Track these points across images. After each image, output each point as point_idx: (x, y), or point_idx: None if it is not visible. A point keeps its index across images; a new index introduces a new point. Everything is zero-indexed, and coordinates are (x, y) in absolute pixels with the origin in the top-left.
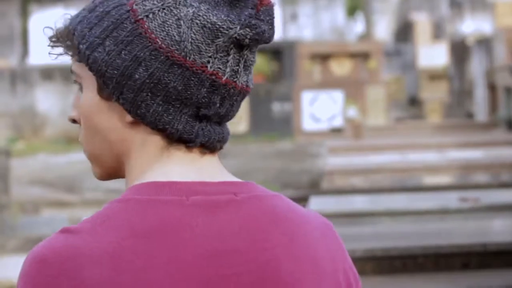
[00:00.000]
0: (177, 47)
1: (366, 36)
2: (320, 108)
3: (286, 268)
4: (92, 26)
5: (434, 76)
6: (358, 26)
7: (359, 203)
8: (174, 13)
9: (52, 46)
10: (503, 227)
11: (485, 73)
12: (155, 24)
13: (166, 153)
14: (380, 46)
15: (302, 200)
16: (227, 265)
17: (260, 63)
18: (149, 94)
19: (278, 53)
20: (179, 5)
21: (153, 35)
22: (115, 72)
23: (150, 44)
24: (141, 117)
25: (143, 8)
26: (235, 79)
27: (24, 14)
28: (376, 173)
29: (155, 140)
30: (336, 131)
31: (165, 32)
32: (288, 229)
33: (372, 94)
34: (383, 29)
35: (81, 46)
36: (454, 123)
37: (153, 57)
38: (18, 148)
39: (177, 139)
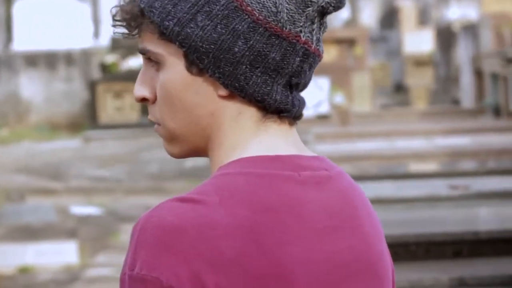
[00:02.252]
0: (274, 18)
1: (352, 22)
2: (305, 95)
3: (375, 246)
4: (176, 2)
5: (420, 62)
6: (344, 12)
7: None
8: None
9: (116, 26)
10: (494, 215)
11: (472, 60)
12: None
13: (263, 126)
14: (366, 32)
15: None
16: (340, 241)
17: None
18: (248, 66)
19: None
20: None
21: (249, 8)
22: (212, 46)
23: (247, 17)
24: (239, 89)
25: None
26: (318, 47)
27: (8, 1)
28: (363, 160)
29: (251, 113)
30: (322, 118)
31: (261, 4)
32: (367, 207)
33: (357, 81)
34: (369, 15)
35: (166, 23)
36: (441, 109)
37: (251, 30)
38: (2, 135)
39: (273, 110)
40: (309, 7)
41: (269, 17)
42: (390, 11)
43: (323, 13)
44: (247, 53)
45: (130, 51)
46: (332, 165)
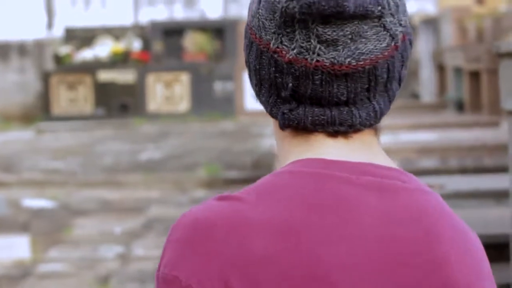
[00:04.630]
0: (253, 23)
1: None
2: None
3: (459, 268)
4: None
5: None
6: None
7: None
8: None
9: None
10: (476, 217)
11: (433, 54)
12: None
13: (301, 135)
14: None
15: (247, 181)
16: (402, 253)
17: (202, 41)
18: (249, 73)
19: (220, 32)
20: None
21: (249, 11)
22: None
23: (247, 20)
24: (256, 97)
25: None
26: (306, 56)
27: None
28: None
29: (287, 130)
30: None
31: (250, 8)
32: (459, 231)
33: None
34: None
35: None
36: (401, 104)
37: (246, 34)
38: None
39: (281, 125)
40: (276, 12)
41: (250, 22)
42: None
43: (300, 20)
44: (250, 65)
45: (84, 42)
46: (413, 180)
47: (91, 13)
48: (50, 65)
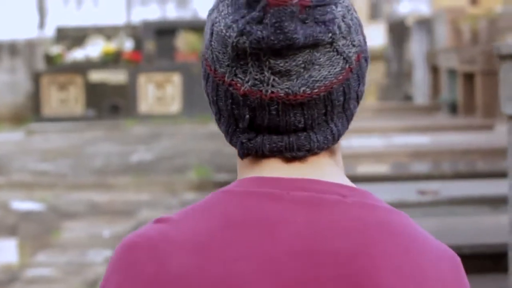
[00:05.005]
0: (207, 55)
1: None
2: None
3: (388, 281)
4: None
5: (371, 57)
6: None
7: None
8: (210, 17)
9: None
10: (472, 225)
11: (427, 55)
12: (205, 29)
13: (256, 165)
14: None
15: None
16: (321, 267)
17: (195, 41)
18: (209, 103)
19: None
20: (215, 8)
21: (204, 43)
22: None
23: (203, 52)
24: (217, 126)
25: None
26: (260, 88)
27: None
28: None
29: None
30: None
31: (205, 39)
32: (399, 245)
33: None
34: None
35: None
36: (395, 106)
37: (203, 64)
38: None
39: (240, 153)
40: (227, 46)
41: (205, 54)
42: None
43: (251, 53)
44: (208, 95)
45: (75, 42)
46: (363, 195)
47: (83, 12)
48: (41, 65)
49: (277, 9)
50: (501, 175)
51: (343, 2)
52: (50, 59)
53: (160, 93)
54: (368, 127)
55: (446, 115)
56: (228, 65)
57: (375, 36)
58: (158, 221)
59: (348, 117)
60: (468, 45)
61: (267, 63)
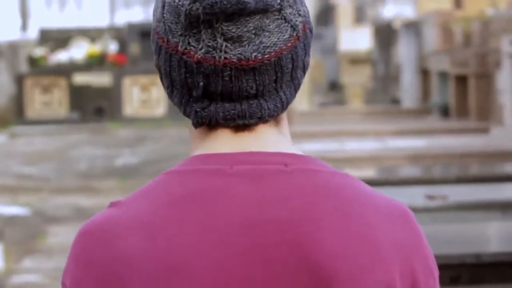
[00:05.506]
0: (159, 28)
1: None
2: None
3: (329, 242)
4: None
5: (356, 60)
6: None
7: None
8: None
9: None
10: (482, 232)
11: (416, 58)
12: (155, 5)
13: (206, 136)
14: None
15: None
16: (265, 235)
17: None
18: (161, 77)
19: None
20: None
21: (154, 16)
22: (155, 65)
23: (152, 25)
24: (169, 99)
25: None
26: (214, 55)
27: None
28: None
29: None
30: None
31: (155, 13)
32: (340, 205)
33: None
34: None
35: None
36: (383, 109)
37: (153, 38)
38: None
39: (194, 122)
40: (180, 15)
41: (157, 27)
42: (325, 8)
43: (204, 20)
44: (155, 63)
45: (59, 44)
46: (305, 161)
47: (67, 14)
48: (24, 67)
49: None
50: (507, 179)
51: None
52: (33, 61)
53: (145, 96)
54: (361, 130)
55: (438, 118)
56: (181, 35)
57: (361, 39)
58: (111, 205)
59: (296, 86)
60: (460, 48)
61: (220, 29)
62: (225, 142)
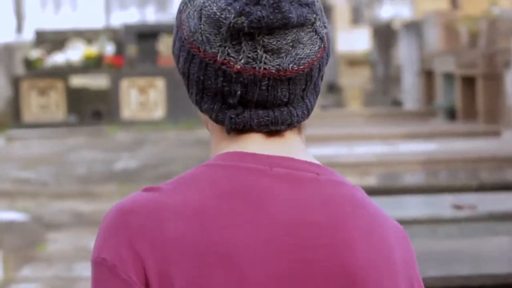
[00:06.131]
0: (193, 38)
1: None
2: None
3: (361, 252)
4: (175, 40)
5: (354, 62)
6: None
7: None
8: (193, 3)
9: None
10: None
11: (417, 59)
12: (184, 15)
13: (235, 139)
14: None
15: None
16: (306, 236)
17: None
18: (188, 84)
19: None
20: None
21: (184, 26)
22: (182, 75)
23: (181, 34)
24: (194, 104)
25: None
26: (254, 65)
27: None
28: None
29: (221, 128)
30: None
31: (187, 23)
32: (366, 219)
33: None
34: None
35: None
36: (386, 111)
37: (183, 48)
38: None
39: (228, 128)
40: (221, 27)
41: (190, 37)
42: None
43: (250, 32)
44: (183, 71)
45: (55, 46)
46: (330, 172)
47: (62, 16)
48: (20, 69)
49: None
50: None
51: None
52: (29, 64)
53: (143, 98)
54: (368, 133)
55: (443, 120)
56: (220, 45)
57: (359, 41)
58: (148, 189)
59: (317, 93)
60: (466, 48)
61: (261, 41)
62: (258, 145)
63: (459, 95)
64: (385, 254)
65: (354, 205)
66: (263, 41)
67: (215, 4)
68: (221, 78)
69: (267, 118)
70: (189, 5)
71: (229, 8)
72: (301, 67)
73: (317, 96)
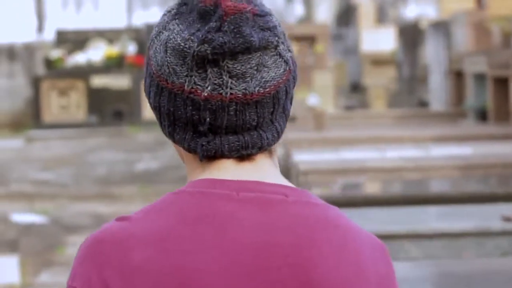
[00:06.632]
0: (161, 71)
1: (306, 19)
2: None
3: (330, 269)
4: (145, 77)
5: (379, 61)
6: (298, 9)
7: (365, 221)
8: (159, 38)
9: None
10: None
11: (445, 59)
12: (152, 51)
13: (207, 166)
14: (327, 29)
15: None
16: (270, 258)
17: None
18: (160, 117)
19: None
20: (163, 30)
21: (151, 62)
22: (151, 107)
23: (150, 70)
24: (167, 136)
25: (151, 35)
26: (220, 91)
27: None
28: (358, 174)
29: (193, 157)
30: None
31: (155, 58)
32: (337, 237)
33: (319, 80)
34: (324, 13)
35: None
36: (414, 112)
37: (152, 82)
38: None
39: (200, 155)
40: (186, 57)
41: (159, 71)
42: (346, 8)
43: (214, 59)
44: (153, 105)
45: (76, 45)
46: (302, 194)
47: (83, 16)
48: (40, 69)
49: (234, 17)
50: None
51: (274, 14)
52: (50, 64)
53: None
54: (398, 135)
55: (474, 122)
56: (186, 75)
57: (384, 40)
58: (120, 219)
59: (287, 117)
60: (498, 48)
61: (225, 67)
62: (228, 171)
63: (490, 96)
64: (357, 271)
65: (324, 224)
66: (228, 66)
67: (179, 36)
68: (190, 107)
69: (237, 143)
70: (155, 40)
71: (192, 37)
72: (267, 89)
73: (286, 119)
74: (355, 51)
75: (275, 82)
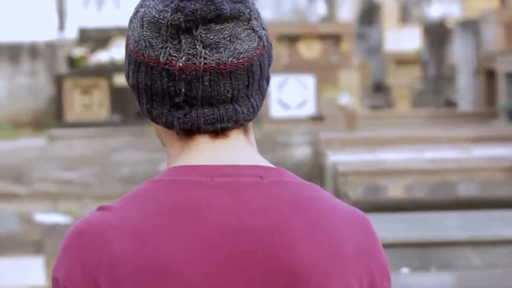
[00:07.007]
0: (138, 47)
1: (329, 18)
2: (289, 94)
3: (302, 251)
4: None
5: (403, 61)
6: (320, 8)
7: (420, 227)
8: (136, 16)
9: None
10: None
11: (475, 58)
12: (130, 31)
13: (185, 143)
14: (351, 27)
15: None
16: (244, 243)
17: None
18: (138, 95)
19: None
20: (140, 8)
21: (130, 40)
22: (130, 85)
23: (129, 49)
24: (146, 115)
25: (130, 16)
26: (194, 61)
27: None
28: (399, 176)
29: (172, 133)
30: (316, 119)
31: (133, 36)
32: (310, 216)
33: (344, 79)
34: (347, 12)
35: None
36: (444, 112)
37: (131, 61)
38: None
39: (177, 129)
40: (161, 29)
41: (136, 47)
42: (369, 7)
43: (187, 28)
44: (132, 83)
45: (99, 44)
46: (277, 173)
47: (104, 14)
48: (63, 68)
49: None
50: None
51: None
52: (72, 62)
53: None
54: (434, 136)
55: (506, 122)
56: (161, 47)
57: (408, 40)
58: (101, 209)
59: (263, 95)
60: None
61: (199, 37)
62: (204, 152)
63: None
64: (332, 249)
65: (297, 204)
66: (201, 36)
67: (154, 9)
68: (166, 79)
69: (212, 116)
70: (133, 20)
71: (166, 8)
72: (240, 60)
73: (263, 98)
74: (378, 51)
75: (248, 55)
